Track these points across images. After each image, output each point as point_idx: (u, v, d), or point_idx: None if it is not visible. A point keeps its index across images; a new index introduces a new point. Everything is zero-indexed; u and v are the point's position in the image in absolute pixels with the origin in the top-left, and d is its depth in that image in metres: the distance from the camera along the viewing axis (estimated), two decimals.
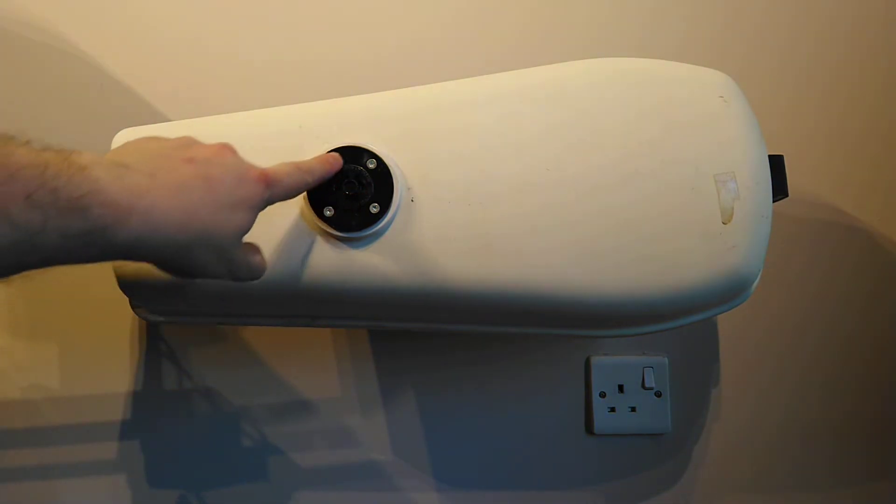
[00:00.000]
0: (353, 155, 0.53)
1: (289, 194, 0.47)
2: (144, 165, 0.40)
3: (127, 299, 0.59)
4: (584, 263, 0.53)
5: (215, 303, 0.58)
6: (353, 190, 0.53)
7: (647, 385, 0.73)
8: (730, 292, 0.55)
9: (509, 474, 0.75)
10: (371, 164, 0.53)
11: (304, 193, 0.53)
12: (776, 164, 0.56)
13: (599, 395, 0.74)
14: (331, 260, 0.54)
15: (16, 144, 0.36)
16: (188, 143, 0.45)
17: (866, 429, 0.75)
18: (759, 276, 0.56)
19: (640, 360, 0.74)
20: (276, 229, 0.54)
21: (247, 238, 0.46)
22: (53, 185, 0.35)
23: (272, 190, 0.45)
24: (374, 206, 0.53)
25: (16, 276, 0.37)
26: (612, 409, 0.74)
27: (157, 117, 0.73)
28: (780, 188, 0.56)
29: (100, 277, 0.66)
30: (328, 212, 0.53)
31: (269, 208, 0.47)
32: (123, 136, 0.56)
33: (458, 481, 0.75)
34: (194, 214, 0.41)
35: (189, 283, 0.54)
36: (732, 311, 0.58)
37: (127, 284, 0.55)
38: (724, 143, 0.54)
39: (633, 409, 0.74)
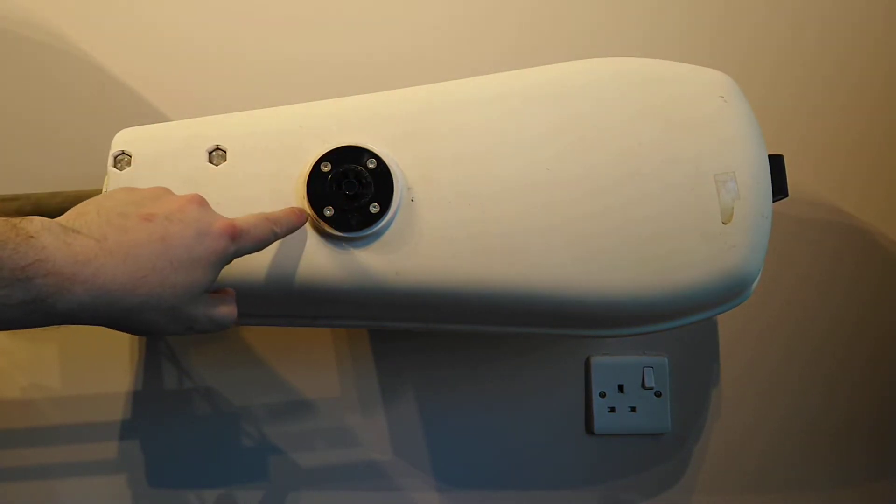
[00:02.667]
0: (353, 155, 0.53)
1: (256, 246, 0.46)
2: (96, 228, 0.39)
3: None
4: (584, 263, 0.53)
5: None
6: (353, 190, 0.53)
7: (647, 385, 0.73)
8: (730, 292, 0.55)
9: (509, 474, 0.75)
10: (371, 164, 0.53)
11: (304, 193, 0.53)
12: (776, 164, 0.56)
13: (599, 395, 0.74)
14: (331, 260, 0.54)
15: None
16: (155, 195, 0.44)
17: (867, 428, 0.75)
18: (759, 276, 0.56)
19: (640, 359, 0.74)
20: None
21: None
22: None
23: (238, 243, 0.44)
24: (374, 206, 0.53)
25: None
26: (612, 409, 0.74)
27: (157, 117, 0.73)
28: (780, 188, 0.56)
29: None
30: (328, 211, 0.53)
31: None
32: (123, 136, 0.56)
33: (458, 481, 0.75)
34: (143, 279, 0.40)
35: None
36: (732, 311, 0.58)
37: None
38: (724, 142, 0.54)
39: (633, 409, 0.74)
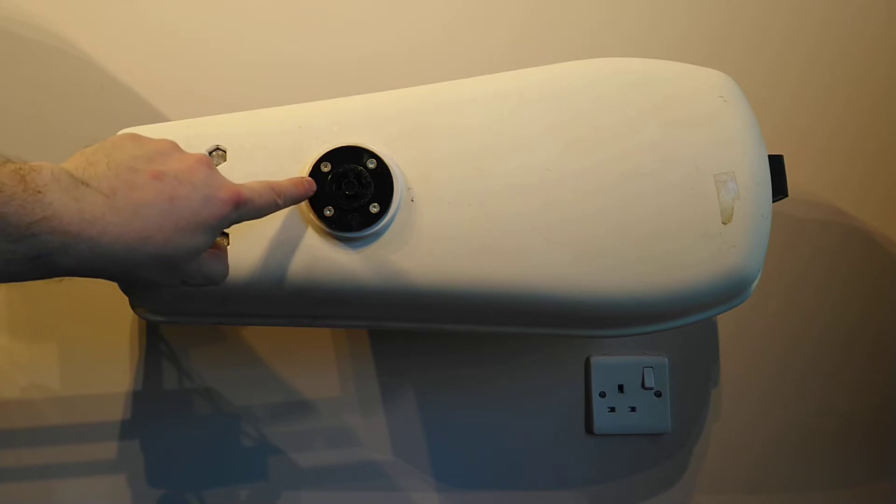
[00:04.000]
0: (353, 155, 0.53)
1: (258, 214, 0.47)
2: (106, 182, 0.39)
3: (127, 299, 0.59)
4: (584, 263, 0.53)
5: (215, 303, 0.58)
6: (353, 190, 0.53)
7: (646, 385, 0.73)
8: (730, 292, 0.55)
9: (509, 474, 0.75)
10: (371, 164, 0.53)
11: None
12: (776, 164, 0.56)
13: (599, 395, 0.74)
14: (331, 260, 0.54)
15: None
16: (165, 150, 0.44)
17: (866, 428, 0.75)
18: (758, 276, 0.56)
19: (639, 359, 0.74)
20: (275, 229, 0.54)
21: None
22: (3, 212, 0.35)
23: (241, 211, 0.45)
24: (374, 206, 0.53)
25: None
26: (612, 409, 0.74)
27: (157, 117, 0.73)
28: (779, 188, 0.56)
29: None
30: (328, 212, 0.53)
31: None
32: None
33: (458, 481, 0.75)
34: (148, 239, 0.40)
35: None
36: (732, 311, 0.58)
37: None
38: (723, 142, 0.54)
39: (633, 409, 0.74)
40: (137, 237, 0.39)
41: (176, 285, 0.45)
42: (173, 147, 0.45)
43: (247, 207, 0.45)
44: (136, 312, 0.60)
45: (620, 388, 0.74)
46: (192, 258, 0.43)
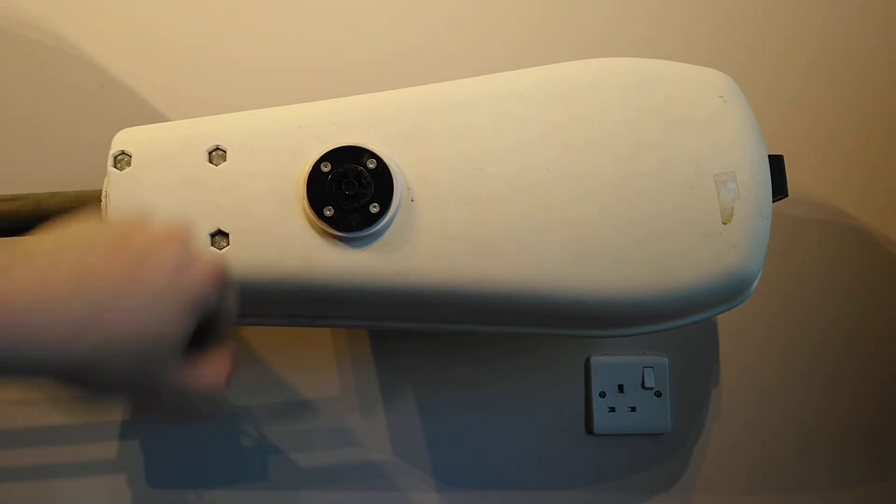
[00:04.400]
0: (353, 155, 0.53)
1: (231, 314, 0.40)
2: (41, 259, 0.31)
3: None
4: (584, 263, 0.53)
5: None
6: (353, 190, 0.53)
7: (646, 385, 0.73)
8: (730, 292, 0.55)
9: (509, 474, 0.75)
10: (371, 164, 0.53)
11: (304, 193, 0.53)
12: (776, 164, 0.56)
13: (599, 395, 0.74)
14: (331, 260, 0.54)
15: None
16: (129, 232, 0.35)
17: (866, 429, 0.75)
18: (759, 276, 0.56)
19: (639, 359, 0.74)
20: (275, 229, 0.54)
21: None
22: None
23: (220, 293, 0.36)
24: (374, 206, 0.53)
25: None
26: (612, 409, 0.74)
27: (157, 117, 0.73)
28: (780, 188, 0.56)
29: None
30: (328, 212, 0.53)
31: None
32: (123, 136, 0.56)
33: (458, 481, 0.75)
34: (94, 321, 0.30)
35: None
36: (732, 311, 0.58)
37: None
38: (724, 142, 0.54)
39: (633, 409, 0.74)
40: (78, 321, 0.30)
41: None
42: (146, 222, 0.36)
43: (227, 290, 0.37)
44: None
45: (620, 388, 0.74)
46: (165, 355, 0.33)
